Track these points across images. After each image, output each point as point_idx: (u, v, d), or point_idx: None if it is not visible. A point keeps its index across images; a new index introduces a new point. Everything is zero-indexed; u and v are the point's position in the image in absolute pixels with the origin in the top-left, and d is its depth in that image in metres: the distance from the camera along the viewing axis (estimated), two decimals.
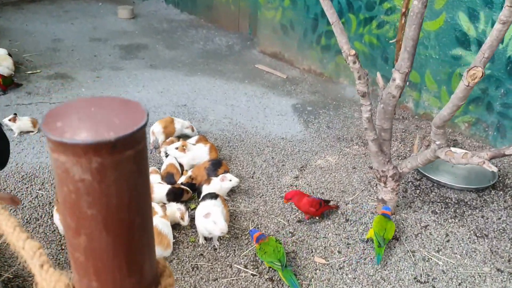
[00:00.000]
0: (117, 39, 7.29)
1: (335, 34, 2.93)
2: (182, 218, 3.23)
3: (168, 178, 3.71)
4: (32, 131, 4.49)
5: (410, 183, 3.98)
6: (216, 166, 3.78)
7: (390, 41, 3.93)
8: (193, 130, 4.43)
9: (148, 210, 0.76)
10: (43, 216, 3.44)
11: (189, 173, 3.72)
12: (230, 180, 3.59)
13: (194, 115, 4.98)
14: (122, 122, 0.66)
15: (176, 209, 3.25)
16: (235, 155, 4.29)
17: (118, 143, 0.64)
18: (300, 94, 5.65)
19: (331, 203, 3.60)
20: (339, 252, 3.23)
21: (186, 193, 3.56)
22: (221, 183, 3.58)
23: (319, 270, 3.09)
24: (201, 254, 3.17)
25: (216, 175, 3.68)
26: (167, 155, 3.94)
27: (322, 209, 3.42)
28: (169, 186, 3.54)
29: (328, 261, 3.15)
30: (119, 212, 0.69)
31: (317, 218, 3.49)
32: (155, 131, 4.23)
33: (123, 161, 0.66)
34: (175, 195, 3.50)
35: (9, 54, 5.87)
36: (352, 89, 5.71)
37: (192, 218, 3.33)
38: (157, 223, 3.05)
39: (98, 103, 0.71)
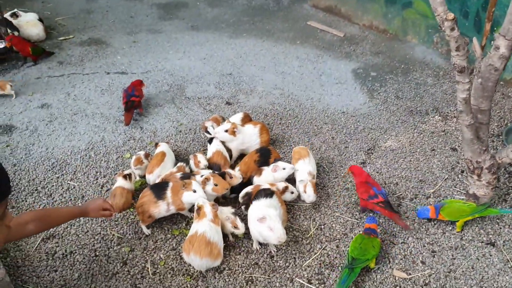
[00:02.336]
0: None
1: None
2: (236, 227, 2.71)
3: (214, 170, 3.15)
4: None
5: (503, 168, 3.29)
6: (266, 156, 3.21)
7: None
8: None
9: None
10: None
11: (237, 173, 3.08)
12: (284, 169, 3.04)
13: (240, 86, 4.38)
14: None
15: (224, 217, 2.73)
16: (288, 135, 3.70)
17: None
18: (361, 56, 4.92)
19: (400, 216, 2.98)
20: (422, 262, 2.65)
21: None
22: (273, 174, 3.04)
23: (400, 287, 2.53)
24: (256, 263, 2.68)
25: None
26: (210, 141, 3.36)
27: (371, 205, 2.87)
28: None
29: (410, 274, 2.58)
30: None
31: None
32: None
33: None
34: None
35: (40, 19, 5.41)
36: (422, 49, 4.91)
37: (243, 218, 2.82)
38: (205, 229, 2.56)
39: None
